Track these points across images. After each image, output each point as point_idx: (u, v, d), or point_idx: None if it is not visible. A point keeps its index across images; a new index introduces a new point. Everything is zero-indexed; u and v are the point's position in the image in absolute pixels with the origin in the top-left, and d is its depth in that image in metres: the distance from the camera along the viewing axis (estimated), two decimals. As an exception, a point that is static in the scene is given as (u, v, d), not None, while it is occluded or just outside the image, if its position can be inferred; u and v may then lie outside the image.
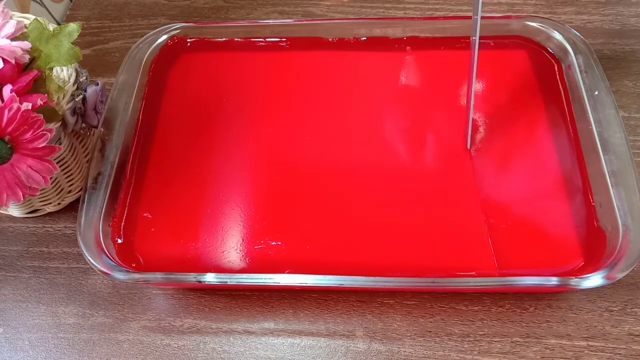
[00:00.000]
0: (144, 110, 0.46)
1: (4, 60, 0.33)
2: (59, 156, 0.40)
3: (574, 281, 0.35)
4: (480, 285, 0.37)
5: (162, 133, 0.46)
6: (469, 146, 0.41)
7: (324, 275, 0.36)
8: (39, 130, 0.33)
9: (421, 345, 0.38)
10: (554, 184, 0.41)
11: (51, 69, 0.37)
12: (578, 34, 0.46)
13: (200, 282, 0.37)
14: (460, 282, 0.36)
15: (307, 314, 0.40)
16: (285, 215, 0.41)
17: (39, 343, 0.40)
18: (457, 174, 0.42)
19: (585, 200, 0.40)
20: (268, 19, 0.57)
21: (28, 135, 0.33)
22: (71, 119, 0.39)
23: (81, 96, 0.40)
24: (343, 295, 0.40)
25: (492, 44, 0.49)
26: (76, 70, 0.40)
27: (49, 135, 0.34)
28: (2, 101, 0.32)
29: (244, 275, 0.38)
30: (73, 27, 0.37)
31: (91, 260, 0.37)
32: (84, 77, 0.41)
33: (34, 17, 0.39)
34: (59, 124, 0.38)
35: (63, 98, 0.38)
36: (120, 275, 0.36)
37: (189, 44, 0.51)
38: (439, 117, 0.45)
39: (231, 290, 0.41)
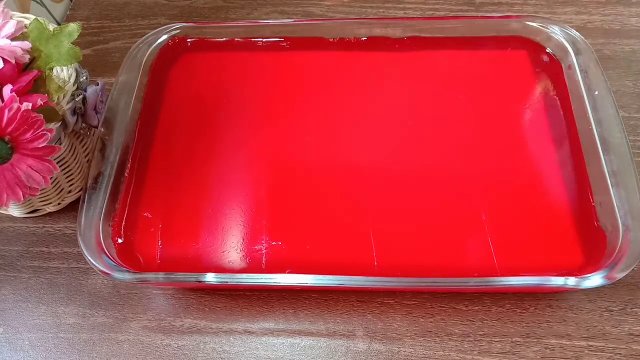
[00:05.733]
0: (144, 110, 0.46)
1: (4, 60, 0.33)
2: (59, 156, 0.40)
3: (574, 281, 0.35)
4: (480, 285, 0.37)
5: (162, 133, 0.46)
6: None
7: (324, 275, 0.36)
8: (39, 130, 0.33)
9: (421, 345, 0.38)
10: (554, 184, 0.41)
11: (51, 69, 0.37)
12: (578, 34, 0.46)
13: (200, 282, 0.37)
14: (460, 282, 0.36)
15: (307, 314, 0.40)
16: (285, 215, 0.41)
17: (39, 343, 0.40)
18: (457, 173, 0.42)
19: (585, 200, 0.40)
20: (268, 19, 0.57)
21: (28, 135, 0.33)
22: (71, 119, 0.39)
23: (81, 96, 0.40)
24: (343, 295, 0.40)
25: (492, 44, 0.49)
26: (76, 70, 0.40)
27: (49, 135, 0.33)
28: (2, 101, 0.32)
29: (244, 275, 0.38)
30: (73, 27, 0.37)
31: (91, 260, 0.37)
32: (84, 77, 0.41)
33: (34, 17, 0.39)
34: (59, 124, 0.38)
35: (63, 98, 0.38)
36: (120, 275, 0.36)
37: (189, 44, 0.51)
38: (440, 117, 0.45)
39: (231, 290, 0.41)
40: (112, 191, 0.41)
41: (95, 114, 0.42)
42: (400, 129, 0.45)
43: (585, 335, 0.38)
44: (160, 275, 0.37)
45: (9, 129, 0.32)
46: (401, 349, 0.38)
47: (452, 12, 0.56)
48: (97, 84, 0.42)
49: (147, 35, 0.49)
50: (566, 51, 0.46)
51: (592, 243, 0.38)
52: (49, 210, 0.45)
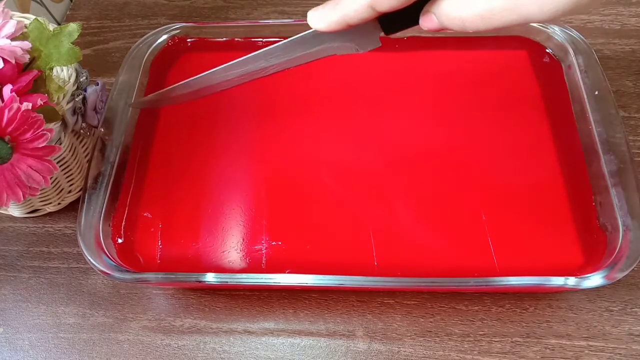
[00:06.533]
0: (144, 110, 0.46)
1: (4, 60, 0.33)
2: (59, 156, 0.40)
3: (574, 281, 0.35)
4: (480, 285, 0.37)
5: (162, 133, 0.46)
6: None
7: (324, 275, 0.36)
8: (39, 130, 0.33)
9: (421, 345, 0.38)
10: (554, 184, 0.41)
11: (51, 69, 0.37)
12: (578, 34, 0.46)
13: (200, 282, 0.37)
14: (460, 282, 0.36)
15: (307, 314, 0.40)
16: (285, 215, 0.41)
17: (39, 343, 0.40)
18: (457, 173, 0.42)
19: (585, 200, 0.40)
20: (268, 19, 0.57)
21: (28, 135, 0.33)
22: (71, 119, 0.39)
23: (81, 96, 0.40)
24: (343, 295, 0.40)
25: (492, 44, 0.49)
26: (76, 70, 0.40)
27: (49, 135, 0.34)
28: (2, 101, 0.32)
29: (244, 275, 0.38)
30: (73, 27, 0.37)
31: (91, 260, 0.37)
32: (84, 77, 0.41)
33: (34, 17, 0.39)
34: (59, 124, 0.38)
35: (63, 98, 0.38)
36: (120, 275, 0.36)
37: (189, 44, 0.51)
38: (439, 117, 0.45)
39: (231, 290, 0.41)
40: (112, 191, 0.41)
41: (95, 114, 0.42)
42: (400, 129, 0.45)
43: (585, 335, 0.38)
44: (160, 275, 0.37)
45: (9, 129, 0.32)
46: (401, 349, 0.38)
47: (452, 12, 0.56)
48: (97, 84, 0.42)
49: (147, 35, 0.49)
50: (566, 51, 0.46)
51: (592, 243, 0.38)
52: (49, 210, 0.45)
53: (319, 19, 0.30)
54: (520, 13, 0.25)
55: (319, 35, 0.32)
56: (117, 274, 0.36)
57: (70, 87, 0.39)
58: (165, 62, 0.49)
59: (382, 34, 0.30)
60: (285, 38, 0.50)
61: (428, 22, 0.28)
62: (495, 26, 0.26)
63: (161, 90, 0.41)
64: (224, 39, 0.51)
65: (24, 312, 0.41)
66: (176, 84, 0.39)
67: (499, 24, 0.26)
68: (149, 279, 0.37)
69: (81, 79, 0.40)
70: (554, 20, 0.25)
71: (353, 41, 0.31)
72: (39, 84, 0.36)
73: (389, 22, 0.29)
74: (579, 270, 0.36)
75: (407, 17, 0.28)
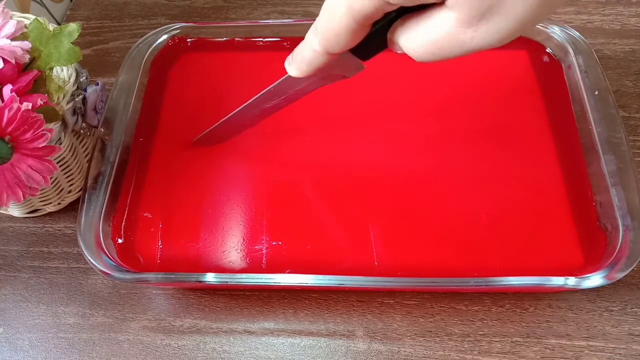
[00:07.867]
0: (144, 110, 0.46)
1: (4, 60, 0.33)
2: (59, 156, 0.40)
3: (574, 281, 0.35)
4: (480, 285, 0.37)
5: (162, 133, 0.46)
6: None
7: (324, 275, 0.36)
8: (39, 130, 0.33)
9: (421, 345, 0.38)
10: (554, 184, 0.41)
11: (51, 69, 0.37)
12: (578, 34, 0.46)
13: (200, 282, 0.37)
14: (460, 282, 0.36)
15: (307, 314, 0.40)
16: (285, 215, 0.41)
17: (39, 343, 0.40)
18: (457, 173, 0.42)
19: (585, 200, 0.40)
20: (268, 19, 0.57)
21: (28, 135, 0.33)
22: (71, 119, 0.39)
23: (81, 96, 0.40)
24: (343, 295, 0.40)
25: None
26: (76, 70, 0.40)
27: (49, 135, 0.34)
28: (2, 101, 0.32)
29: (244, 275, 0.38)
30: (73, 27, 0.37)
31: (91, 260, 0.37)
32: (84, 77, 0.41)
33: (34, 17, 0.39)
34: (59, 124, 0.38)
35: (63, 98, 0.38)
36: (120, 275, 0.36)
37: (189, 44, 0.51)
38: (439, 117, 0.45)
39: (231, 290, 0.41)
40: (112, 191, 0.41)
41: (95, 114, 0.42)
42: (400, 129, 0.45)
43: (585, 335, 0.38)
44: (160, 275, 0.37)
45: (9, 129, 0.32)
46: (401, 349, 0.38)
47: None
48: (97, 84, 0.42)
49: (147, 35, 0.49)
50: (566, 51, 0.46)
51: (592, 243, 0.38)
52: (49, 210, 0.45)
53: (292, 68, 0.31)
54: (466, 47, 0.24)
55: None
56: (117, 274, 0.36)
57: (70, 87, 0.39)
58: (165, 62, 0.49)
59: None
60: (285, 38, 0.51)
61: (395, 48, 0.27)
62: (449, 58, 0.25)
63: (212, 126, 0.43)
64: (224, 39, 0.51)
65: (24, 312, 0.41)
66: (215, 124, 0.42)
67: (450, 56, 0.25)
68: (149, 279, 0.37)
69: (81, 79, 0.40)
70: (502, 44, 0.25)
71: (338, 71, 0.31)
72: (39, 84, 0.36)
73: (361, 51, 0.28)
74: (579, 270, 0.36)
75: (376, 44, 0.28)
